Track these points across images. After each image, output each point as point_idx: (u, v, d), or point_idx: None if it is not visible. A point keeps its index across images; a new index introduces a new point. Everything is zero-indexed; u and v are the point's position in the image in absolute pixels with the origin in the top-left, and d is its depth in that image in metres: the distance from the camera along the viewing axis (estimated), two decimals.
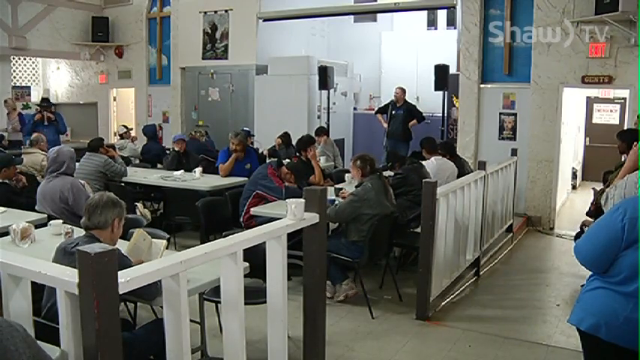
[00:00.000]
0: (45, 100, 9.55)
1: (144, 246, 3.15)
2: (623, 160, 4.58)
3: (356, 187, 4.94)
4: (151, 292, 2.66)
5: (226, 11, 10.06)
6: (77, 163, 5.37)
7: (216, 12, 10.16)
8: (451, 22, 9.90)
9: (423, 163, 5.94)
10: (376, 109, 9.68)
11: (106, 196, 3.00)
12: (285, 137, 8.06)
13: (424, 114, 9.16)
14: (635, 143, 4.11)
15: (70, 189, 4.59)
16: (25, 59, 11.35)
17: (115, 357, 1.94)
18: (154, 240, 3.14)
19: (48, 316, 2.65)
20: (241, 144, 6.54)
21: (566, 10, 7.07)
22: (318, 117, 9.69)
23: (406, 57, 10.72)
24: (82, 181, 4.96)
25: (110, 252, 1.87)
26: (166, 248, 3.48)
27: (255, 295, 3.14)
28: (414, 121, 8.85)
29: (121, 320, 2.41)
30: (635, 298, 2.13)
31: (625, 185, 3.39)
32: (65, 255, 2.81)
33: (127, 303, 3.80)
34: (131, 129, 10.22)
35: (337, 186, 5.83)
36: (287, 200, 2.89)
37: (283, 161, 5.84)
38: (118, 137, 9.82)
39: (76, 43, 11.32)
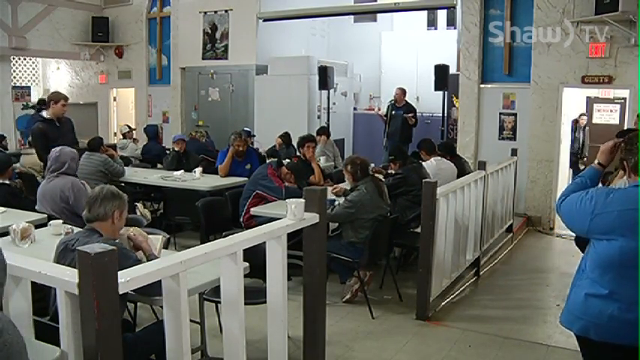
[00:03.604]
0: (42, 103, 9.37)
1: None
2: None
3: (350, 189, 4.95)
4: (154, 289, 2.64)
5: (226, 11, 10.06)
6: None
7: (216, 12, 10.16)
8: (451, 22, 9.90)
9: (423, 164, 5.93)
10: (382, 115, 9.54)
11: (106, 188, 3.00)
12: (286, 137, 8.07)
13: (424, 114, 9.12)
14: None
15: (71, 188, 4.58)
16: (25, 59, 11.34)
17: (115, 357, 1.94)
18: (150, 236, 3.14)
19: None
20: (246, 144, 6.58)
21: (566, 10, 7.07)
22: (318, 117, 9.70)
23: (406, 57, 10.72)
24: (82, 181, 4.96)
25: (110, 252, 1.87)
26: (166, 247, 3.48)
27: (255, 295, 3.14)
28: (410, 115, 8.83)
29: (122, 321, 2.42)
30: (615, 294, 2.16)
31: (625, 185, 3.39)
32: (67, 252, 2.81)
33: (127, 303, 3.80)
34: (134, 129, 10.21)
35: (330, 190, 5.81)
36: (287, 200, 2.89)
37: (283, 161, 5.85)
38: (121, 136, 9.80)
39: (76, 43, 11.32)
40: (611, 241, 2.16)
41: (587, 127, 9.87)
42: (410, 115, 8.80)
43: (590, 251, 2.28)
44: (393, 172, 5.73)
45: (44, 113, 5.88)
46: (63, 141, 5.82)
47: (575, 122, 9.66)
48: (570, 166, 9.70)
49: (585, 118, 9.94)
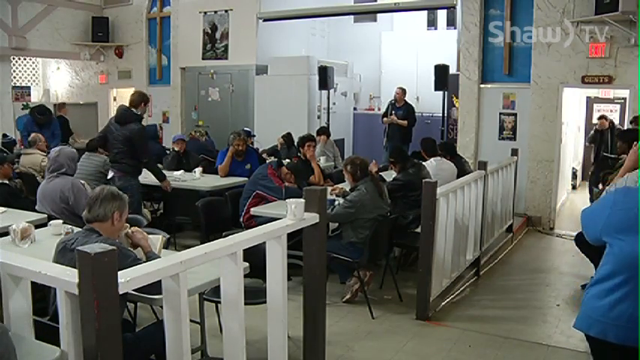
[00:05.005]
0: (40, 111, 9.08)
1: None
2: (622, 160, 4.58)
3: (350, 189, 4.95)
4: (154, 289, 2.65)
5: (226, 11, 10.06)
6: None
7: (216, 12, 10.16)
8: (451, 22, 9.89)
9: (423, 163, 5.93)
10: (381, 115, 9.49)
11: (106, 189, 3.01)
12: (288, 137, 8.07)
13: (424, 114, 9.10)
14: (635, 143, 4.11)
15: (71, 189, 4.59)
16: (25, 59, 11.34)
17: (115, 357, 1.94)
18: (150, 236, 3.14)
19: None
20: (245, 144, 6.58)
21: (566, 10, 7.07)
22: (318, 117, 9.70)
23: (406, 57, 10.72)
24: (82, 181, 4.96)
25: (110, 252, 1.87)
26: (166, 247, 3.48)
27: (255, 295, 3.14)
28: (405, 121, 8.85)
29: (122, 321, 2.42)
30: (634, 296, 2.13)
31: (625, 184, 3.39)
32: (66, 252, 2.80)
33: (127, 303, 3.80)
34: None
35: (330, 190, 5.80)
36: (287, 200, 2.90)
37: (283, 161, 5.84)
38: None
39: (76, 43, 11.32)
40: (628, 241, 2.13)
41: (616, 127, 8.81)
42: (403, 121, 8.82)
43: (607, 254, 2.24)
44: (395, 173, 5.73)
45: (139, 112, 5.63)
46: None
47: (598, 130, 8.83)
48: (600, 181, 8.23)
49: (605, 121, 8.86)
